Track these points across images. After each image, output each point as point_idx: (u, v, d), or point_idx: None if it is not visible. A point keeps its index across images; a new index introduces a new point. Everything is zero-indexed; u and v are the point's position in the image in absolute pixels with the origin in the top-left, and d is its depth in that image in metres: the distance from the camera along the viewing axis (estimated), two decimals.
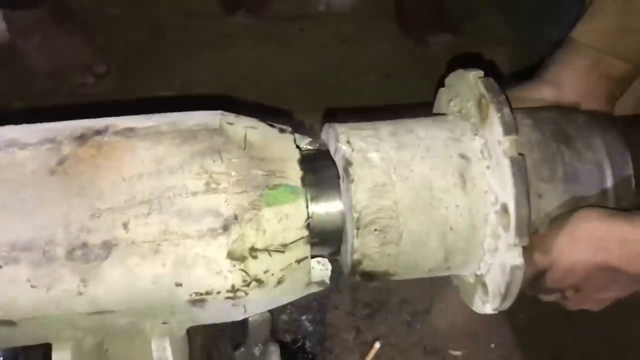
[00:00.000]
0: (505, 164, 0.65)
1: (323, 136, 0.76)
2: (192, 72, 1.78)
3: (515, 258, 0.65)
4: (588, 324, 1.43)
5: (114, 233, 0.62)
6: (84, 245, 0.62)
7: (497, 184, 0.68)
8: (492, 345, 1.43)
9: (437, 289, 1.46)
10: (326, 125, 0.75)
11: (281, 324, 1.22)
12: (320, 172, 0.71)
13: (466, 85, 0.73)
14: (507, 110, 0.66)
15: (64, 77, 1.63)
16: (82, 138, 0.67)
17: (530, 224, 0.65)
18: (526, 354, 1.41)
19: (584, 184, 0.72)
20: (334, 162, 0.72)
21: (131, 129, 0.68)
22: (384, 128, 0.72)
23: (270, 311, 1.23)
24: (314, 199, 0.70)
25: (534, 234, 0.71)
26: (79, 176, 0.64)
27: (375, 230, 0.67)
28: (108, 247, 0.62)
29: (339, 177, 0.71)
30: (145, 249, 0.62)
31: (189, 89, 1.74)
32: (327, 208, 0.70)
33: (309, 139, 0.78)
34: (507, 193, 0.65)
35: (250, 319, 0.81)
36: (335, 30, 1.96)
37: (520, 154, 0.65)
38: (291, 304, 1.26)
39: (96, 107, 1.61)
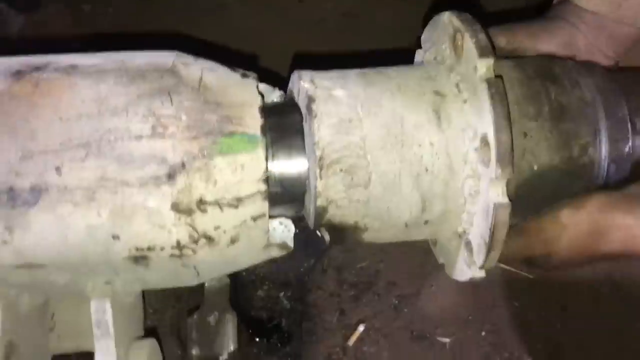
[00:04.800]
0: (483, 89, 0.58)
1: (290, 86, 0.69)
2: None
3: (499, 195, 0.58)
4: (584, 315, 1.36)
5: (45, 177, 0.56)
6: (11, 189, 0.55)
7: (476, 117, 0.61)
8: (483, 333, 1.34)
9: (428, 272, 1.39)
10: (293, 73, 0.68)
11: (257, 301, 1.15)
12: (284, 119, 0.64)
13: (440, 28, 0.67)
14: (482, 35, 0.60)
15: None
16: (18, 74, 0.60)
17: (512, 152, 0.58)
18: (519, 344, 1.34)
19: (573, 122, 0.65)
20: (299, 109, 0.65)
21: (74, 66, 0.61)
22: (353, 71, 0.66)
23: (246, 286, 1.17)
24: (276, 150, 0.63)
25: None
26: (12, 114, 0.58)
27: (341, 170, 0.60)
28: (37, 192, 0.55)
29: (303, 124, 0.64)
30: (78, 196, 0.56)
31: None
32: (290, 157, 0.63)
33: (280, 92, 0.71)
34: (485, 121, 0.58)
35: (206, 284, 0.74)
36: (336, 4, 1.87)
37: (498, 76, 0.59)
38: (269, 279, 1.20)
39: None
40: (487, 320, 1.39)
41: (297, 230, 0.77)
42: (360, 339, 1.32)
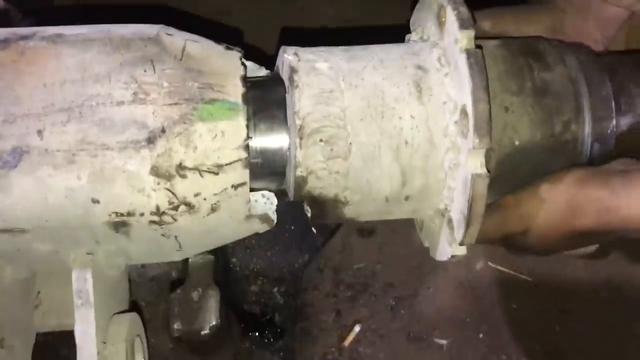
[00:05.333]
0: (462, 60, 0.58)
1: (277, 63, 0.70)
2: None
3: (477, 166, 0.57)
4: (583, 318, 1.34)
5: (26, 140, 0.56)
6: None
7: (456, 90, 0.61)
8: (481, 335, 1.33)
9: (425, 274, 1.38)
10: (280, 49, 0.68)
11: (250, 295, 1.15)
12: (267, 92, 0.65)
13: (426, 8, 0.68)
14: (463, 8, 0.61)
15: None
16: (5, 42, 0.61)
17: (490, 121, 0.57)
18: (517, 346, 1.32)
19: (556, 98, 0.65)
20: (283, 83, 0.65)
21: (60, 35, 0.62)
22: (338, 47, 0.66)
23: (240, 280, 1.17)
24: (258, 121, 0.63)
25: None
26: None
27: (321, 140, 0.60)
28: (18, 153, 0.56)
29: (286, 95, 0.64)
30: (59, 159, 0.56)
31: None
32: (272, 129, 0.63)
33: (267, 71, 0.72)
34: (464, 92, 0.58)
35: (190, 260, 0.74)
36: (336, 10, 1.89)
37: (478, 47, 0.59)
38: (263, 275, 1.20)
39: None
40: (485, 322, 1.38)
41: (291, 227, 0.77)
42: (356, 339, 1.32)
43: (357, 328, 1.30)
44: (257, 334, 1.07)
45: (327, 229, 1.30)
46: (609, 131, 0.68)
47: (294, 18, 1.84)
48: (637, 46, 0.78)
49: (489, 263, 1.42)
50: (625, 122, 0.69)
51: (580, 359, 1.32)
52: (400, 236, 1.43)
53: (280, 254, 1.21)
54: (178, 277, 1.03)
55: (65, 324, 0.72)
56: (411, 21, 0.75)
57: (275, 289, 1.16)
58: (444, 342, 1.32)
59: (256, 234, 0.66)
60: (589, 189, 0.61)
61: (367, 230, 1.43)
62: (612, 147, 0.69)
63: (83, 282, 0.62)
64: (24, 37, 0.61)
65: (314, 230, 1.26)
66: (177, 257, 0.67)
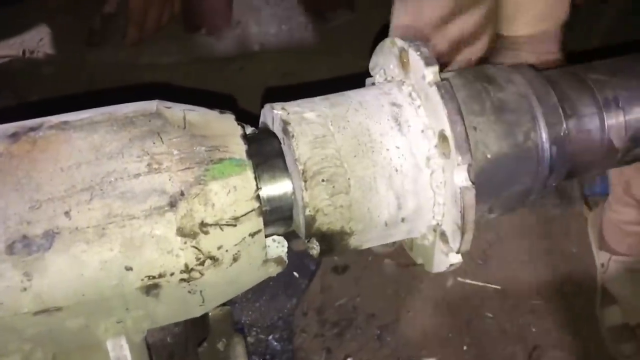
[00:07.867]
0: (433, 92, 0.66)
1: (262, 119, 0.76)
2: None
3: (463, 180, 0.65)
4: (553, 314, 1.44)
5: (55, 222, 0.60)
6: (24, 237, 0.59)
7: (431, 118, 0.69)
8: (465, 347, 1.41)
9: (402, 298, 1.45)
10: (264, 107, 0.75)
11: (248, 347, 1.18)
12: (262, 146, 0.71)
13: (386, 52, 0.76)
14: (424, 48, 0.69)
15: None
16: (14, 136, 0.65)
17: (468, 140, 0.65)
18: (500, 351, 1.40)
19: (513, 113, 0.74)
20: (275, 135, 0.71)
21: (65, 122, 0.66)
22: (316, 98, 0.74)
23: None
24: (260, 173, 0.69)
25: None
26: (14, 172, 0.62)
27: (323, 180, 0.66)
28: (50, 236, 0.59)
29: (282, 147, 0.70)
30: (90, 234, 0.60)
31: None
32: (274, 178, 0.69)
33: (252, 128, 0.78)
34: (440, 119, 0.66)
35: (210, 314, 0.78)
36: (274, 66, 1.99)
37: (444, 79, 0.67)
38: (256, 325, 1.23)
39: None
40: (466, 334, 1.46)
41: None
42: None
43: None
44: None
45: (308, 270, 1.36)
46: (562, 134, 0.78)
47: (235, 77, 1.92)
48: None
49: (458, 278, 1.51)
50: (572, 124, 0.79)
51: (557, 353, 1.41)
52: (372, 268, 1.50)
53: (268, 303, 1.25)
54: (174, 341, 1.05)
55: None
56: (370, 65, 0.83)
57: (270, 337, 1.20)
58: None
59: None
60: None
61: (341, 267, 1.49)
62: (567, 147, 0.79)
63: (119, 348, 0.65)
64: (32, 129, 0.65)
65: (295, 274, 1.31)
66: (199, 312, 0.71)
